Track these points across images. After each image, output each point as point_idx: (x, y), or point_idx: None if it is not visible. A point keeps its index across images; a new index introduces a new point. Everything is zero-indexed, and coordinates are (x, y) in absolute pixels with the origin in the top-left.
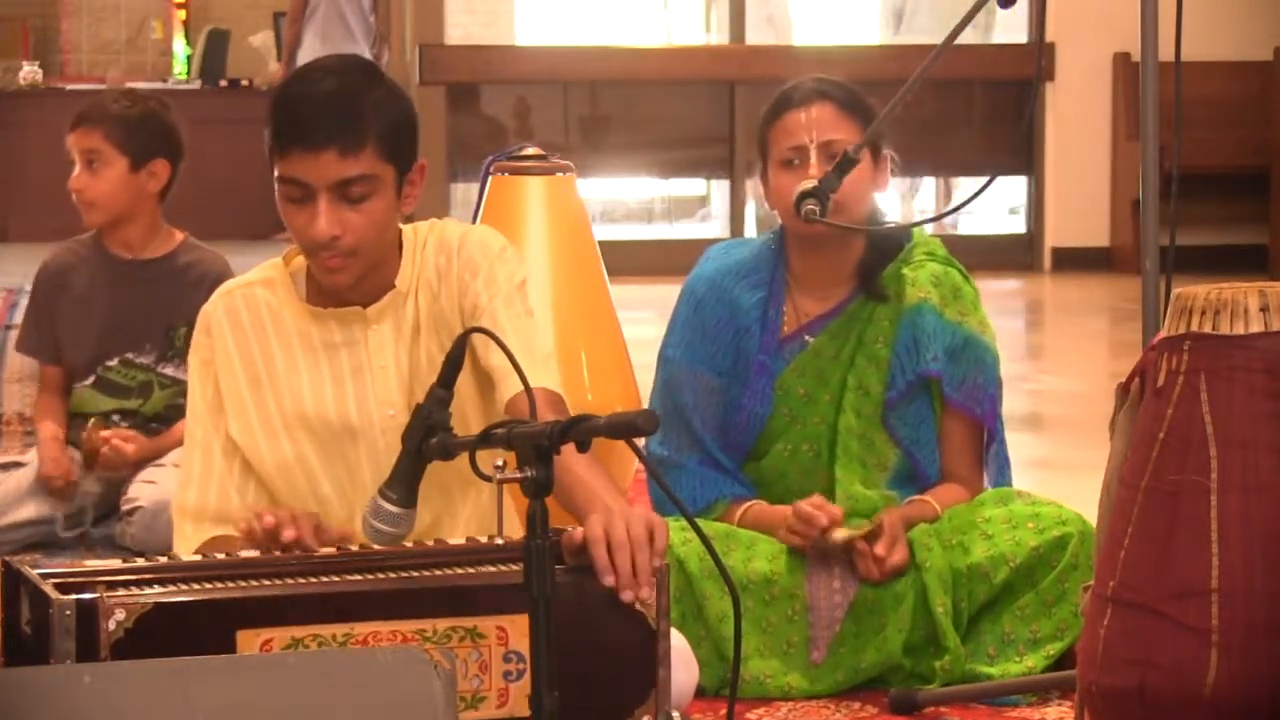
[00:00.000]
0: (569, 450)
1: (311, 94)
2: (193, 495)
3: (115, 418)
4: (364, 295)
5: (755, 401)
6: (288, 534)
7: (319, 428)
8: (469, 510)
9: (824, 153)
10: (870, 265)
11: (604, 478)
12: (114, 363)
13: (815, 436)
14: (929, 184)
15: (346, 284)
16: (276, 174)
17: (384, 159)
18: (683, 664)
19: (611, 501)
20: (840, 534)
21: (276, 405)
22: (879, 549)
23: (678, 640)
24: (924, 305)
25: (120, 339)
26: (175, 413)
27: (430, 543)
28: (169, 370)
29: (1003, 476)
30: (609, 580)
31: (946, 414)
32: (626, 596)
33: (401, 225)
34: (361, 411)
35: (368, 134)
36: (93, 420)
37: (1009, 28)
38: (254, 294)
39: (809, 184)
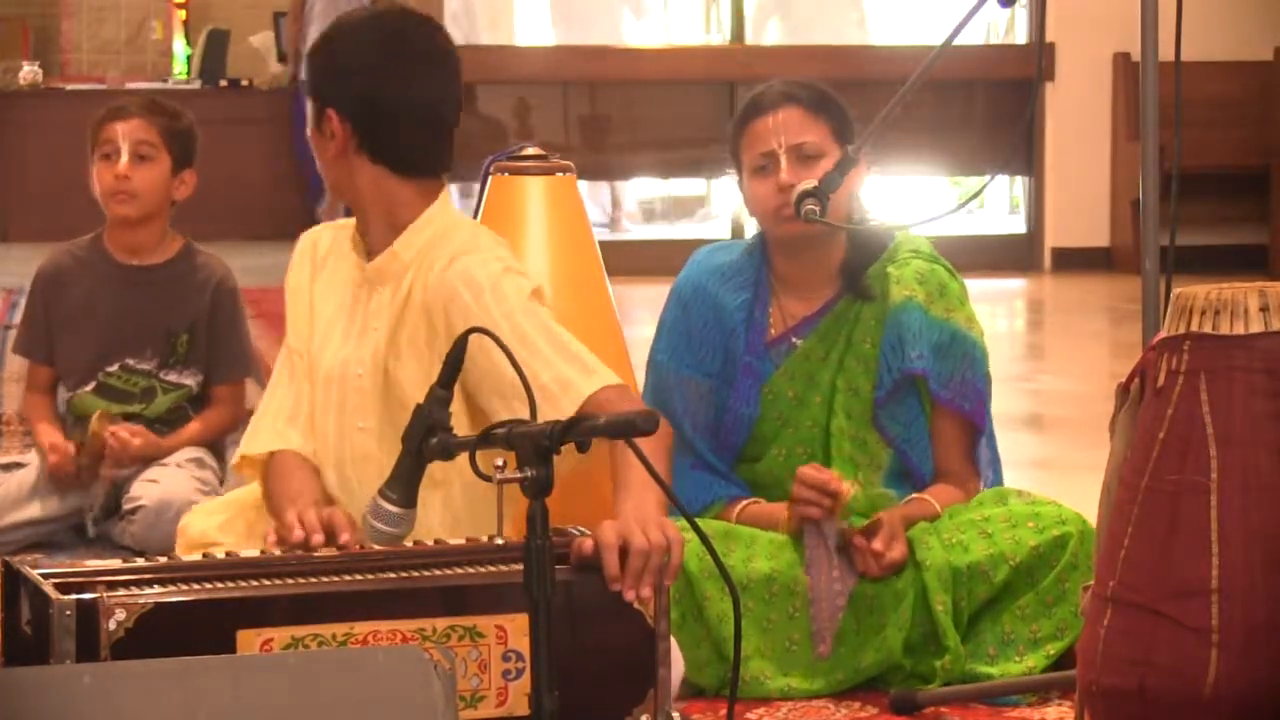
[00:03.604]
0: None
1: None
2: (277, 396)
3: (118, 419)
4: (369, 251)
5: (741, 403)
6: (316, 539)
7: (320, 368)
8: (436, 512)
9: (794, 155)
10: (854, 265)
11: (641, 472)
12: (114, 368)
13: (808, 439)
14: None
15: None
16: None
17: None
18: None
19: (637, 504)
20: (842, 518)
21: (313, 335)
22: (877, 544)
23: None
24: (909, 303)
25: (121, 344)
26: (180, 415)
27: (430, 542)
28: (171, 376)
29: (994, 473)
30: (617, 588)
31: (935, 412)
32: (628, 596)
33: (437, 205)
34: (347, 362)
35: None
36: (98, 413)
37: (1009, 28)
38: (341, 232)
39: (809, 184)
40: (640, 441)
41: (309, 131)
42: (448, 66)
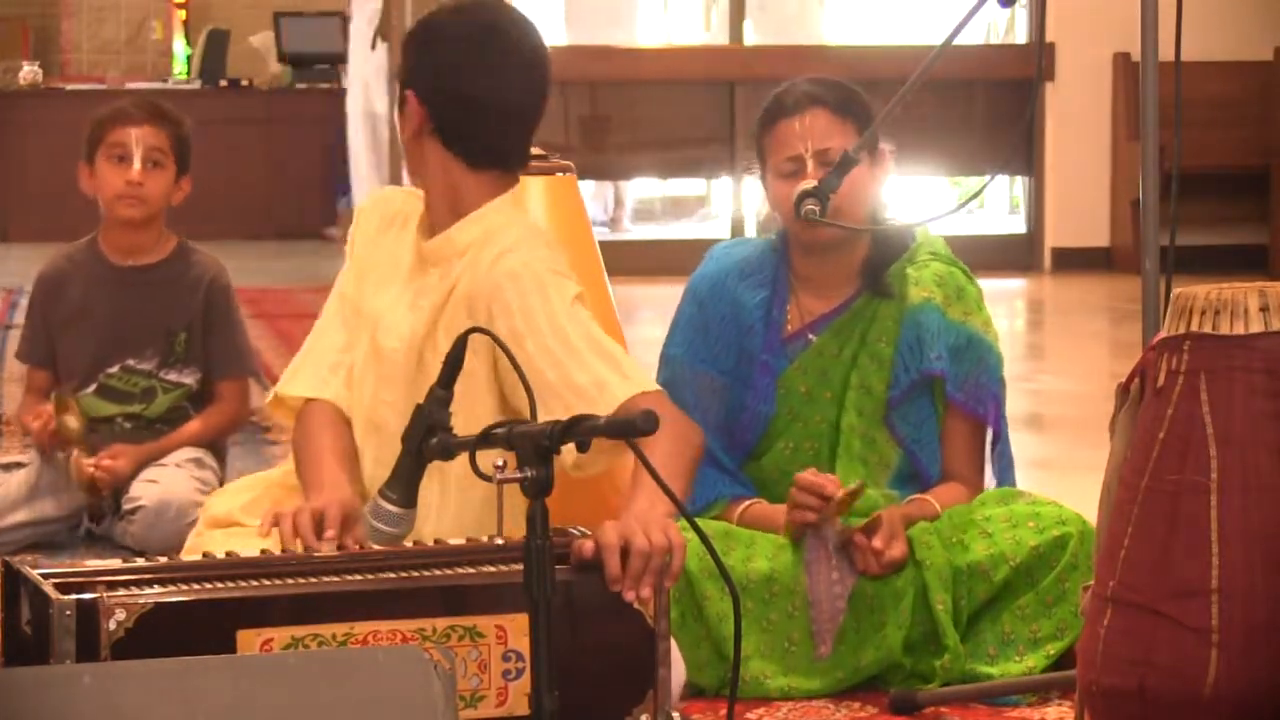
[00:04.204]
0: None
1: None
2: (325, 339)
3: (119, 419)
4: (429, 229)
5: (759, 400)
6: (312, 544)
7: (363, 331)
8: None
9: (820, 160)
10: (875, 264)
11: (645, 477)
12: (115, 370)
13: (817, 435)
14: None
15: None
16: None
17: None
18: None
19: (647, 505)
20: (842, 517)
21: (367, 285)
22: (877, 541)
23: None
24: (928, 304)
25: (120, 346)
26: (180, 414)
27: (431, 543)
28: (171, 375)
29: (1007, 476)
30: (618, 589)
31: (949, 414)
32: (628, 596)
33: (505, 198)
34: (385, 335)
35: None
36: (75, 453)
37: (1009, 28)
38: (410, 200)
39: (809, 184)
40: (662, 445)
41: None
42: (536, 67)
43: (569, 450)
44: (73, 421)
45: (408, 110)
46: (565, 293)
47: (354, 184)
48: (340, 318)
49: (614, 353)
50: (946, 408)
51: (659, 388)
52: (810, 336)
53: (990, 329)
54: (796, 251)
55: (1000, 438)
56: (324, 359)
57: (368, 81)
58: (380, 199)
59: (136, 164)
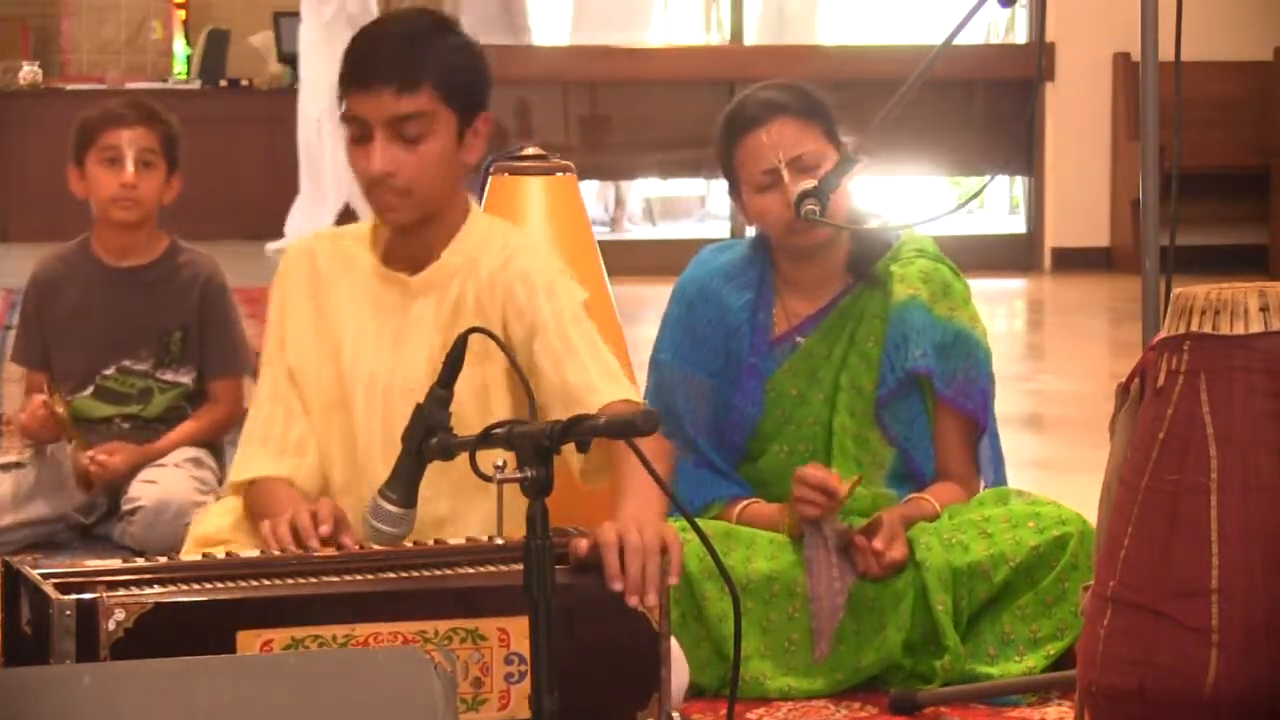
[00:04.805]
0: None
1: (375, 35)
2: (261, 418)
3: (117, 420)
4: (412, 261)
5: (746, 403)
6: (313, 543)
7: (357, 384)
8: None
9: (794, 168)
10: (860, 261)
11: (642, 479)
12: (111, 371)
13: (810, 437)
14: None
15: (403, 222)
16: (341, 115)
17: (442, 100)
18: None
19: (638, 508)
20: (842, 517)
21: (333, 352)
22: (877, 543)
23: None
24: (913, 302)
25: (116, 347)
26: (177, 414)
27: (431, 543)
28: (168, 375)
29: (997, 473)
30: (617, 586)
31: (939, 410)
32: (632, 601)
33: (473, 207)
34: (390, 377)
35: (424, 72)
36: (73, 444)
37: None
38: (340, 244)
39: (808, 184)
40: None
41: (434, 148)
42: None
43: (578, 458)
44: (60, 408)
45: (474, 134)
46: (574, 296)
47: (304, 189)
48: (275, 389)
49: (609, 361)
50: (936, 405)
51: (643, 402)
52: (798, 339)
53: (978, 324)
54: (781, 255)
55: (987, 433)
56: (269, 437)
57: (335, 85)
58: (302, 258)
59: (129, 166)
